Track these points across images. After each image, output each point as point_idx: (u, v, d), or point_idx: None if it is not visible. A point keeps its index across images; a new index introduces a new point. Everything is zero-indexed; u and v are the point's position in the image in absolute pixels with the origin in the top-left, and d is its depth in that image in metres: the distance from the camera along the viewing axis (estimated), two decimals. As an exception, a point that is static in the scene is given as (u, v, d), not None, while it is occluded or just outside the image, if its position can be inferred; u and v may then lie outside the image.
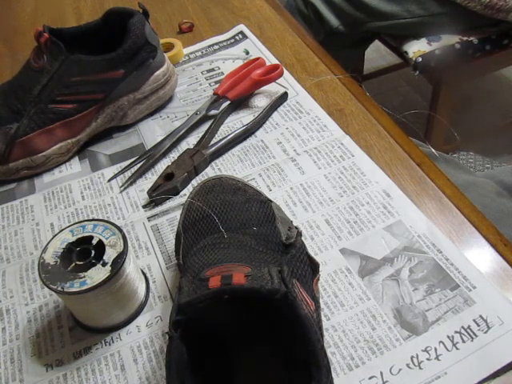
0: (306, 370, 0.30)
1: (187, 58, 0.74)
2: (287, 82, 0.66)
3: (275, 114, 0.62)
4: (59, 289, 0.37)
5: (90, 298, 0.38)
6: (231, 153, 0.58)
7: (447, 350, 0.38)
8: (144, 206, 0.54)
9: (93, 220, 0.41)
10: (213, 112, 0.63)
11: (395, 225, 0.47)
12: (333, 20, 1.19)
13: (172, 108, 0.66)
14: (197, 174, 0.56)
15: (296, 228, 0.42)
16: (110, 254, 0.39)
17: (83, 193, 0.56)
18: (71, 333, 0.43)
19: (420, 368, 0.38)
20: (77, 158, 0.61)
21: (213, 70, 0.72)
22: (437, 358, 0.38)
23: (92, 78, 0.57)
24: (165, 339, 0.42)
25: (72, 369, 0.41)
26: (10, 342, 0.44)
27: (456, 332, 0.39)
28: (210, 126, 0.60)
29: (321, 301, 0.42)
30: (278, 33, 0.77)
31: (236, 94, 0.63)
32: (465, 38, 1.12)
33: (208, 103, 0.63)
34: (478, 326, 0.39)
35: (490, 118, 1.64)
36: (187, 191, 0.54)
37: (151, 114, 0.65)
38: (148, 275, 0.47)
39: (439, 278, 0.43)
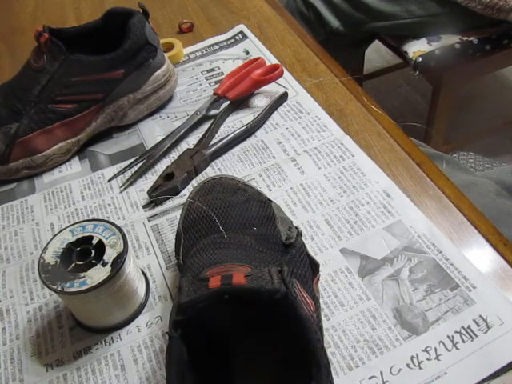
0: (306, 370, 0.30)
1: (187, 57, 0.74)
2: (287, 82, 0.66)
3: (275, 114, 0.62)
4: (59, 289, 0.37)
5: (90, 298, 0.38)
6: (231, 153, 0.58)
7: (447, 350, 0.38)
8: (144, 206, 0.54)
9: (93, 220, 0.41)
10: (213, 112, 0.63)
11: (395, 225, 0.47)
12: (333, 21, 1.19)
13: (172, 108, 0.66)
14: (197, 174, 0.56)
15: (296, 228, 0.42)
16: (109, 254, 0.39)
17: (83, 193, 0.56)
18: (71, 333, 0.43)
19: (420, 368, 0.38)
20: (77, 158, 0.61)
21: (213, 70, 0.72)
22: (437, 358, 0.38)
23: (92, 78, 0.57)
24: (165, 339, 0.42)
25: (72, 369, 0.41)
26: (10, 342, 0.44)
27: (456, 332, 0.39)
28: (210, 125, 0.60)
29: (321, 301, 0.42)
30: (278, 33, 0.77)
31: (236, 94, 0.63)
32: (465, 38, 1.12)
33: (208, 103, 0.63)
34: (478, 325, 0.39)
35: (490, 118, 1.64)
36: (187, 191, 0.54)
37: (151, 114, 0.65)
38: (148, 275, 0.47)
39: (439, 278, 0.43)
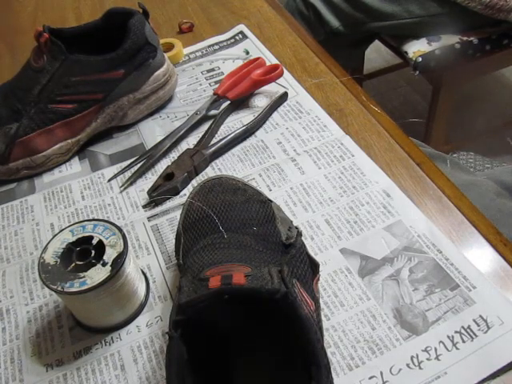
0: (306, 370, 0.30)
1: (187, 58, 0.74)
2: (287, 82, 0.66)
3: (275, 114, 0.62)
4: (59, 289, 0.37)
5: (90, 298, 0.38)
6: (231, 153, 0.58)
7: (447, 349, 0.38)
8: (144, 206, 0.54)
9: (93, 220, 0.41)
10: (213, 112, 0.63)
11: (395, 225, 0.47)
12: (333, 21, 1.19)
13: (172, 108, 0.66)
14: (197, 174, 0.56)
15: (296, 228, 0.42)
16: (110, 254, 0.39)
17: (83, 193, 0.56)
18: (71, 333, 0.43)
19: (420, 368, 0.38)
20: (77, 158, 0.61)
21: (213, 70, 0.72)
22: (437, 358, 0.38)
23: (92, 78, 0.57)
24: (165, 339, 0.42)
25: (72, 369, 0.41)
26: (10, 342, 0.44)
27: (456, 332, 0.39)
28: (210, 125, 0.60)
29: (321, 301, 0.42)
30: (278, 33, 0.77)
31: (236, 94, 0.63)
32: (465, 38, 1.12)
33: (208, 103, 0.63)
34: (478, 325, 0.39)
35: (490, 118, 1.64)
36: (187, 191, 0.54)
37: (151, 114, 0.65)
38: (148, 275, 0.47)
39: (439, 278, 0.43)
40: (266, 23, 0.79)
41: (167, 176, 0.55)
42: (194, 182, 0.56)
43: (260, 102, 0.65)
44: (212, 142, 0.59)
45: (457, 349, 0.38)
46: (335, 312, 0.42)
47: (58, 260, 0.39)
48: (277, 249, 0.38)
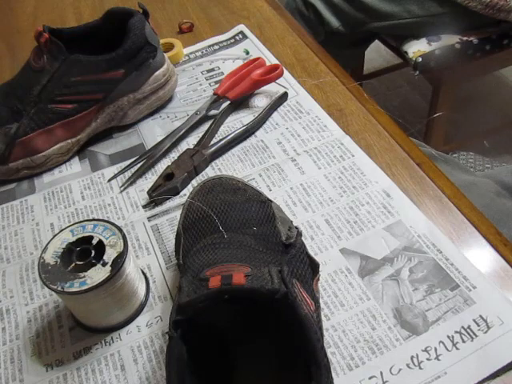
0: (306, 370, 0.30)
1: (187, 58, 0.74)
2: (287, 82, 0.66)
3: (275, 114, 0.62)
4: (59, 289, 0.37)
5: (90, 298, 0.38)
6: (231, 153, 0.58)
7: (447, 349, 0.38)
8: (144, 206, 0.54)
9: (93, 220, 0.41)
10: (213, 112, 0.63)
11: (395, 225, 0.47)
12: (333, 21, 1.19)
13: (172, 108, 0.66)
14: (197, 174, 0.56)
15: (296, 228, 0.42)
16: (110, 254, 0.39)
17: (83, 193, 0.56)
18: (71, 333, 0.43)
19: (420, 368, 0.38)
20: (77, 158, 0.61)
21: (213, 70, 0.72)
22: (437, 358, 0.38)
23: (92, 78, 0.57)
24: (165, 339, 0.42)
25: (72, 369, 0.41)
26: (10, 342, 0.44)
27: (456, 332, 0.39)
28: (210, 125, 0.60)
29: (321, 301, 0.42)
30: (278, 33, 0.77)
31: (236, 94, 0.63)
32: (465, 38, 1.12)
33: (208, 103, 0.63)
34: (478, 325, 0.39)
35: (490, 118, 1.64)
36: (187, 191, 0.54)
37: (151, 114, 0.65)
38: (148, 275, 0.47)
39: (439, 278, 0.43)
40: (266, 23, 0.79)
41: (167, 176, 0.55)
42: (194, 182, 0.56)
43: (260, 102, 0.65)
44: (212, 142, 0.59)
45: (457, 349, 0.38)
46: (335, 312, 0.42)
47: (58, 260, 0.39)
48: (277, 249, 0.38)
